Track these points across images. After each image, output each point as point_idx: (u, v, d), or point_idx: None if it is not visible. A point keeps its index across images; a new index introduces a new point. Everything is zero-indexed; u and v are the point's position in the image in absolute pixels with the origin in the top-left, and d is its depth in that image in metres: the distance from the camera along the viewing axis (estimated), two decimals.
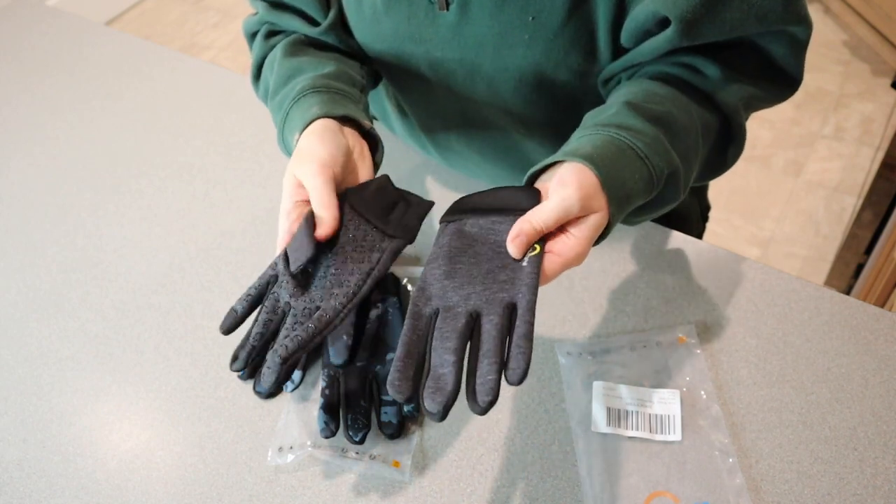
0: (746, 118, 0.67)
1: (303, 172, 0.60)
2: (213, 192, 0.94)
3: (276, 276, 0.61)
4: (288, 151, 0.67)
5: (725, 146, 0.68)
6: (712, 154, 0.67)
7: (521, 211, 0.56)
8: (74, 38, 1.26)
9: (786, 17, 0.61)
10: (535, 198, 0.57)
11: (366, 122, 0.66)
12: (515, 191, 0.58)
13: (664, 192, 0.61)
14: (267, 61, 0.77)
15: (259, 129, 1.03)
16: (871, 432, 0.64)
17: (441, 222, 0.61)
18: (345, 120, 0.65)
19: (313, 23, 0.75)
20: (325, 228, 0.58)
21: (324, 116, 0.63)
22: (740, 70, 0.65)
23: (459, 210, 0.60)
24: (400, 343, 0.51)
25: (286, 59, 0.72)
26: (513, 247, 0.53)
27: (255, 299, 0.60)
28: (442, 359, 0.49)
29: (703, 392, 0.67)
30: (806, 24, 0.63)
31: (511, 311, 0.51)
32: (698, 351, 0.70)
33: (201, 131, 1.04)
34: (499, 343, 0.49)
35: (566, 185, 0.53)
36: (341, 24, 0.75)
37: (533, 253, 0.54)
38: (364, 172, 0.65)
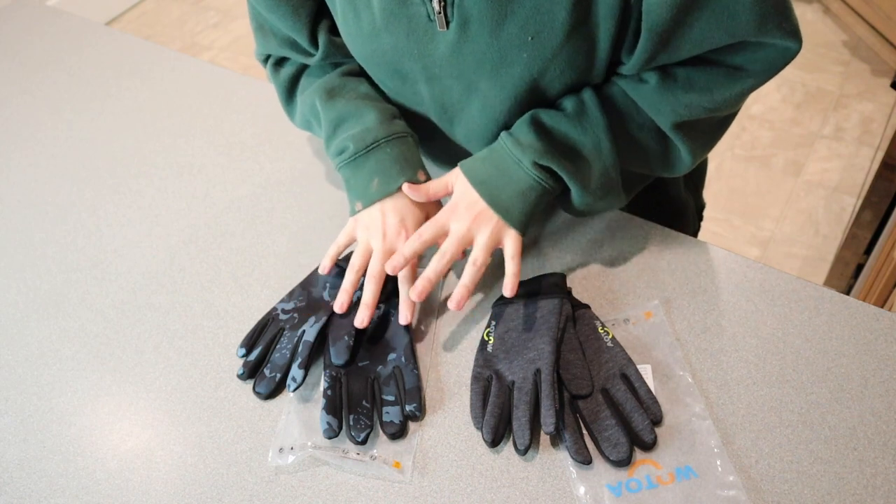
0: (683, 132, 0.70)
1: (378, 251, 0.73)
2: (213, 192, 0.94)
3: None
4: (356, 195, 0.76)
5: (660, 154, 0.74)
6: (653, 152, 0.73)
7: (559, 288, 0.74)
8: (74, 38, 1.26)
9: (761, 32, 0.62)
10: (563, 278, 0.75)
11: (420, 179, 0.76)
12: (545, 276, 0.76)
13: (573, 184, 0.70)
14: (299, 99, 0.83)
15: (259, 130, 1.03)
16: (870, 432, 0.64)
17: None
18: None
19: (306, 53, 0.80)
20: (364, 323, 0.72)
21: (385, 196, 0.74)
22: (686, 81, 0.68)
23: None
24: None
25: (326, 105, 0.78)
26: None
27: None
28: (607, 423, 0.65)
29: (673, 363, 0.69)
30: (792, 38, 0.64)
31: (626, 380, 0.68)
32: (665, 324, 0.72)
33: (201, 131, 1.04)
34: (637, 402, 0.66)
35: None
36: (334, 52, 0.78)
37: (609, 336, 0.71)
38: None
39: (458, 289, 0.69)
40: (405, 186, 0.74)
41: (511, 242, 0.71)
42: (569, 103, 0.71)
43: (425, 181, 0.76)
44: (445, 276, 0.80)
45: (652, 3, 0.60)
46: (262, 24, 0.80)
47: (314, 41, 0.78)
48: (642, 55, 0.64)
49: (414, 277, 0.73)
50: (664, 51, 0.64)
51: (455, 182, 0.73)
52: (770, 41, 0.64)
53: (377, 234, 0.74)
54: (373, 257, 0.73)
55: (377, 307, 0.76)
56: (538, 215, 0.72)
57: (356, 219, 0.76)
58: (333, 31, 0.78)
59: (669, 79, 0.68)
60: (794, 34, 0.64)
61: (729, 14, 0.60)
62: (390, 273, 0.71)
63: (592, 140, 0.70)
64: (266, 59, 0.86)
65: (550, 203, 0.77)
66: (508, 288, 0.69)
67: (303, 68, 0.84)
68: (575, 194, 0.71)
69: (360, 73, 0.81)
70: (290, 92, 0.85)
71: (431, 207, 0.77)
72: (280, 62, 0.85)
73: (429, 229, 0.71)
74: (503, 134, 0.72)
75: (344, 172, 0.77)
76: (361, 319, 0.71)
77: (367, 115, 0.76)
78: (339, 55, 0.79)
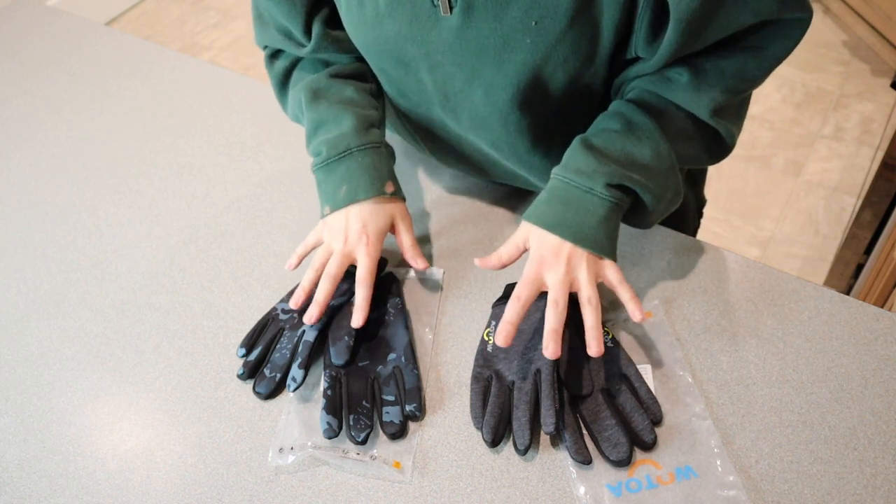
0: (722, 116, 0.71)
1: (362, 250, 0.74)
2: (213, 192, 0.94)
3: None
4: (325, 199, 0.78)
5: (712, 146, 0.74)
6: (700, 152, 0.74)
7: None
8: (74, 38, 1.26)
9: (782, 9, 0.63)
10: None
11: (387, 191, 0.76)
12: None
13: (645, 201, 0.70)
14: (291, 93, 0.84)
15: (259, 130, 1.03)
16: (870, 432, 0.64)
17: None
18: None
19: (299, 44, 0.81)
20: (360, 323, 0.72)
21: (351, 203, 0.75)
22: (717, 71, 0.68)
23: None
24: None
25: (310, 107, 0.80)
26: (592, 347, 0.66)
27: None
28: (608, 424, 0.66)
29: (673, 363, 0.69)
30: (805, 11, 0.65)
31: (627, 380, 0.68)
32: (665, 324, 0.72)
33: (201, 131, 1.04)
34: (637, 402, 0.66)
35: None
36: (326, 45, 0.79)
37: (609, 336, 0.71)
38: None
39: (591, 331, 0.66)
40: (477, 261, 0.74)
41: (612, 271, 0.69)
42: (612, 122, 0.71)
43: (393, 192, 0.77)
44: (442, 278, 0.80)
45: None
46: (261, 13, 0.82)
47: (308, 32, 0.79)
48: (670, 47, 0.64)
49: (368, 284, 0.73)
50: (693, 41, 0.64)
51: (527, 237, 0.71)
52: (788, 16, 0.64)
53: (339, 238, 0.75)
54: (331, 259, 0.74)
55: (376, 307, 0.76)
56: (618, 233, 0.71)
57: (324, 221, 0.77)
58: (328, 23, 0.79)
59: (700, 73, 0.68)
60: (807, 6, 0.65)
61: None
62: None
63: (650, 147, 0.69)
64: (265, 48, 0.87)
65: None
66: (637, 314, 0.67)
67: (296, 61, 0.85)
68: (649, 203, 0.70)
69: (349, 75, 0.82)
70: (283, 84, 0.86)
71: (398, 215, 0.78)
72: (276, 54, 0.86)
73: (525, 289, 0.68)
74: (556, 170, 0.71)
75: (317, 175, 0.78)
76: (310, 316, 0.71)
77: (345, 121, 0.77)
78: (331, 48, 0.80)
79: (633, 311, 0.67)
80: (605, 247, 0.68)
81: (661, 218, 0.75)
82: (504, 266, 0.73)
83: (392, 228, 0.78)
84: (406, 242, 0.78)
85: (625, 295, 0.68)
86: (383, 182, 0.76)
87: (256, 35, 0.85)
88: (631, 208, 0.72)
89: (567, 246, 0.68)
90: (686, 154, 0.72)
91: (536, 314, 0.71)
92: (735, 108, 0.73)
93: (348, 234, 0.75)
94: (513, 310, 0.67)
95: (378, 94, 0.84)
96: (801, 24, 0.66)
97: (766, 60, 0.68)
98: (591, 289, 0.68)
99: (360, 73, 0.82)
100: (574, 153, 0.70)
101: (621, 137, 0.70)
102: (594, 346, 0.65)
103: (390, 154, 0.80)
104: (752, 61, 0.68)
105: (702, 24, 0.62)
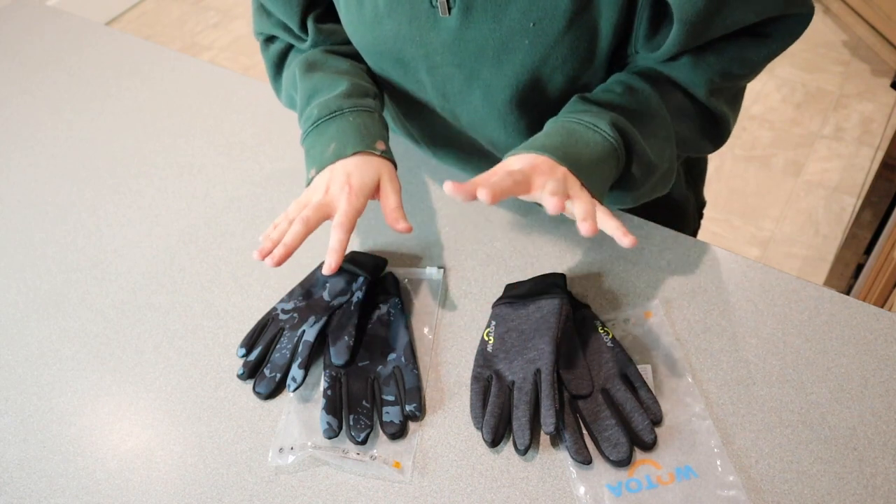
0: (722, 100, 0.70)
1: (342, 196, 0.68)
2: (213, 192, 0.94)
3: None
4: (310, 161, 0.74)
5: (708, 127, 0.72)
6: (694, 133, 0.72)
7: (559, 288, 0.73)
8: (74, 38, 1.26)
9: (786, 7, 0.63)
10: (563, 278, 0.75)
11: (378, 148, 0.72)
12: (546, 276, 0.76)
13: (640, 162, 0.67)
14: (285, 74, 0.83)
15: (259, 130, 1.03)
16: (870, 432, 0.64)
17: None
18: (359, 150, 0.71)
19: (298, 38, 0.81)
20: (332, 267, 0.66)
21: (338, 159, 0.70)
22: (717, 51, 0.67)
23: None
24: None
25: (303, 78, 0.77)
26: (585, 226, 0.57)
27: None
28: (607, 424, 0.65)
29: (673, 363, 0.69)
30: (806, 6, 0.65)
31: (626, 379, 0.68)
32: (665, 324, 0.72)
33: (201, 131, 1.04)
34: (637, 402, 0.66)
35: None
36: (323, 40, 0.79)
37: (609, 336, 0.71)
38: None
39: (588, 215, 0.58)
40: (448, 185, 0.58)
41: (587, 198, 0.61)
42: (613, 87, 0.68)
43: (383, 150, 0.72)
44: (444, 276, 0.80)
45: None
46: (262, 5, 0.82)
47: (304, 28, 0.79)
48: (674, 47, 0.64)
49: (347, 229, 0.67)
50: (697, 39, 0.64)
51: (511, 160, 0.65)
52: (791, 12, 0.65)
53: (320, 188, 0.70)
54: (308, 206, 0.69)
55: (377, 307, 0.76)
56: (608, 185, 0.66)
57: (307, 188, 0.72)
58: (321, 19, 0.79)
59: (700, 52, 0.67)
60: (808, 2, 0.65)
61: None
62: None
63: (650, 111, 0.67)
64: (260, 34, 0.87)
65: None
66: (626, 240, 0.57)
67: (292, 46, 0.84)
68: (644, 165, 0.66)
69: (346, 54, 0.81)
70: (278, 66, 0.85)
71: (386, 173, 0.72)
72: (271, 38, 0.85)
73: (519, 165, 0.61)
74: (553, 119, 0.67)
75: (307, 142, 0.74)
76: (273, 257, 0.65)
77: (340, 85, 0.75)
78: (328, 41, 0.80)
79: (620, 238, 0.58)
80: (598, 187, 0.63)
81: (646, 195, 0.72)
82: (475, 190, 0.58)
83: (377, 189, 0.72)
84: (391, 203, 0.71)
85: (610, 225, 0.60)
86: (374, 139, 0.72)
87: (255, 24, 0.84)
88: (622, 172, 0.68)
89: (562, 169, 0.62)
90: (683, 135, 0.71)
91: (536, 314, 0.71)
92: (731, 95, 0.72)
93: (330, 185, 0.69)
94: (502, 178, 0.59)
95: (374, 74, 0.82)
96: (802, 19, 0.66)
97: (765, 48, 0.67)
98: (587, 196, 0.61)
99: (358, 55, 0.82)
100: (574, 105, 0.68)
101: (621, 98, 0.68)
102: (589, 224, 0.57)
103: (384, 123, 0.76)
104: (751, 47, 0.67)
105: (706, 25, 0.62)
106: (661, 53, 0.66)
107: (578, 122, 0.65)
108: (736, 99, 0.73)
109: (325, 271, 0.66)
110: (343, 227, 0.67)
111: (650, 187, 0.72)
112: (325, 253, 0.77)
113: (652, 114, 0.68)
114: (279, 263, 0.65)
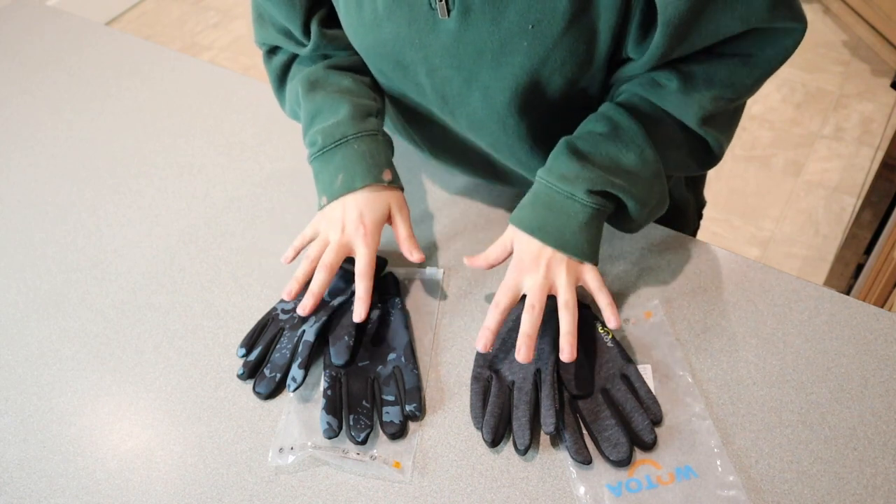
0: (711, 125, 0.70)
1: (360, 242, 0.73)
2: (213, 192, 0.94)
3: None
4: (322, 189, 0.77)
5: (697, 150, 0.73)
6: (685, 158, 0.73)
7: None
8: (74, 38, 1.26)
9: (772, 18, 0.63)
10: None
11: (385, 179, 0.76)
12: None
13: (629, 206, 0.70)
14: (289, 87, 0.84)
15: (259, 130, 1.03)
16: (870, 432, 0.64)
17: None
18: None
19: (299, 43, 0.81)
20: (362, 316, 0.71)
21: (347, 192, 0.74)
22: (706, 78, 0.68)
23: None
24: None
25: (306, 98, 0.79)
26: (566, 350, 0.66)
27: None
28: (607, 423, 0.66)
29: (673, 363, 0.69)
30: (798, 21, 0.64)
31: (627, 379, 0.68)
32: (665, 324, 0.72)
33: (201, 131, 1.04)
34: (637, 402, 0.66)
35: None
36: (325, 44, 0.79)
37: (609, 336, 0.71)
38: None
39: (566, 337, 0.66)
40: (466, 259, 0.74)
41: (591, 276, 0.70)
42: (598, 125, 0.71)
43: (390, 181, 0.76)
44: (442, 275, 0.80)
45: None
46: (262, 13, 0.82)
47: (307, 31, 0.79)
48: (657, 50, 0.64)
49: (369, 276, 0.72)
50: (680, 44, 0.64)
51: (512, 239, 0.72)
52: (779, 25, 0.64)
53: (336, 227, 0.74)
54: (328, 248, 0.73)
55: (376, 306, 0.76)
56: (601, 238, 0.71)
57: (322, 213, 0.76)
58: (326, 23, 0.79)
59: (689, 79, 0.67)
60: (800, 16, 0.65)
61: (743, 1, 0.61)
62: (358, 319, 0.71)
63: (636, 152, 0.69)
64: (263, 45, 0.87)
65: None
66: (612, 320, 0.67)
67: (294, 56, 0.84)
68: (632, 209, 0.70)
69: (348, 68, 0.81)
70: (281, 79, 0.86)
71: (395, 205, 0.77)
72: (274, 50, 0.86)
73: (504, 296, 0.69)
74: (541, 172, 0.71)
75: (314, 166, 0.77)
76: (304, 307, 0.72)
77: (342, 110, 0.77)
78: (330, 47, 0.80)
79: (608, 317, 0.68)
80: (585, 252, 0.69)
81: (645, 223, 0.75)
82: (491, 266, 0.73)
83: (389, 219, 0.77)
84: (402, 233, 0.76)
85: (602, 301, 0.69)
86: (380, 170, 0.76)
87: (256, 34, 0.85)
88: (615, 213, 0.73)
89: (548, 251, 0.69)
90: (673, 160, 0.72)
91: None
92: (726, 118, 0.72)
93: (345, 224, 0.74)
94: (491, 316, 0.68)
95: (377, 86, 0.83)
96: (793, 34, 0.65)
97: (757, 68, 0.68)
98: (570, 293, 0.68)
99: (359, 66, 0.82)
100: (558, 157, 0.70)
101: (606, 141, 0.69)
102: (567, 351, 0.65)
103: (388, 143, 0.79)
104: (741, 68, 0.67)
105: (688, 29, 0.62)
106: (646, 59, 0.66)
107: (558, 192, 0.69)
108: (732, 120, 0.74)
109: (356, 319, 0.71)
110: (366, 276, 0.72)
111: (644, 220, 0.73)
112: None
113: (637, 154, 0.69)
114: (309, 313, 0.72)
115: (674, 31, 0.62)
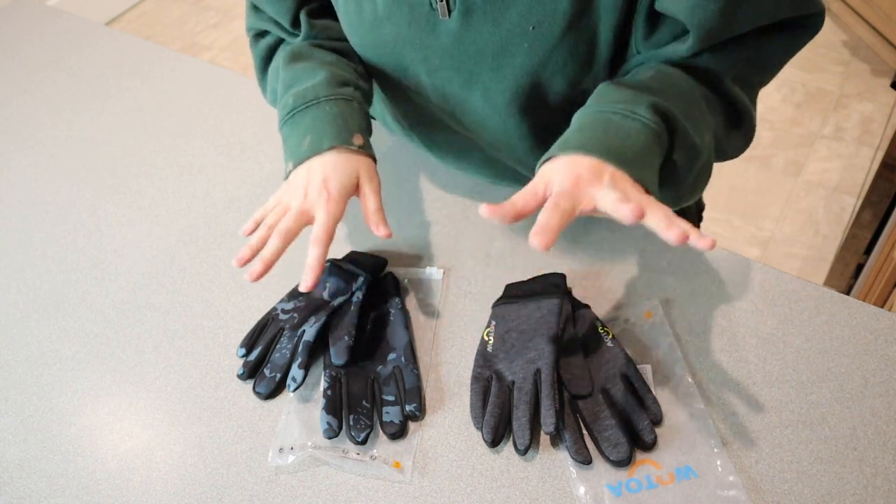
0: (742, 90, 0.67)
1: (321, 203, 0.67)
2: (213, 192, 0.94)
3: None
4: (288, 153, 0.72)
5: (732, 118, 0.68)
6: (720, 126, 0.67)
7: (559, 288, 0.73)
8: (74, 38, 1.26)
9: (795, 7, 0.62)
10: (563, 278, 0.75)
11: (355, 143, 0.70)
12: (546, 276, 0.76)
13: (683, 146, 0.62)
14: (271, 68, 0.81)
15: (259, 129, 1.03)
16: (871, 432, 0.64)
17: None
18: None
19: (290, 34, 0.80)
20: (308, 285, 0.63)
21: (314, 154, 0.69)
22: (737, 42, 0.65)
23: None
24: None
25: (286, 68, 0.76)
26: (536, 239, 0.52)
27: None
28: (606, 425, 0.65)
29: (673, 363, 0.69)
30: (817, 7, 0.64)
31: (626, 380, 0.68)
32: (665, 324, 0.72)
33: (201, 131, 1.04)
34: (637, 402, 0.66)
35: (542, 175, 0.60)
36: (315, 35, 0.78)
37: (609, 336, 0.71)
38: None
39: (667, 219, 0.53)
40: (484, 209, 0.55)
41: (654, 204, 0.55)
42: (644, 71, 0.64)
43: (360, 145, 0.70)
44: (444, 272, 0.80)
45: (695, 2, 0.59)
46: (255, 2, 0.81)
47: (296, 24, 0.78)
48: (688, 52, 0.63)
49: (324, 242, 0.65)
50: (713, 41, 0.62)
51: (549, 177, 0.58)
52: (801, 13, 0.64)
53: (298, 193, 0.68)
54: (287, 215, 0.67)
55: (377, 307, 0.76)
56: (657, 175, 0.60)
57: (287, 181, 0.71)
58: (314, 14, 0.78)
59: (718, 50, 0.65)
60: (819, 4, 0.64)
61: None
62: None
63: (686, 90, 0.62)
64: (250, 30, 0.85)
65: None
66: (673, 232, 0.52)
67: (281, 40, 0.82)
68: (684, 151, 0.61)
69: (334, 49, 0.79)
70: (266, 62, 0.83)
71: (365, 173, 0.70)
72: (262, 34, 0.84)
73: (565, 199, 0.55)
74: (583, 110, 0.63)
75: (283, 132, 0.73)
76: (252, 272, 0.64)
77: (318, 75, 0.73)
78: (321, 37, 0.79)
79: (666, 228, 0.52)
80: (651, 181, 0.57)
81: (687, 194, 0.68)
82: (517, 218, 0.57)
83: (357, 189, 0.70)
84: (371, 205, 0.69)
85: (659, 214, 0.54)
86: (350, 133, 0.70)
87: (247, 21, 0.83)
88: (666, 160, 0.63)
89: (609, 167, 0.56)
90: (713, 125, 0.67)
91: (536, 314, 0.71)
92: (753, 94, 0.69)
93: (308, 190, 0.68)
94: (551, 214, 0.53)
95: (365, 73, 0.80)
96: (816, 19, 0.64)
97: (784, 40, 0.65)
98: (650, 199, 0.55)
99: (347, 51, 0.79)
100: (605, 90, 0.63)
101: (655, 80, 0.63)
102: (675, 232, 0.51)
103: (363, 111, 0.74)
104: (768, 42, 0.65)
105: (720, 31, 0.61)
106: (670, 56, 0.64)
107: (614, 112, 0.60)
108: (753, 102, 0.71)
109: (302, 288, 0.63)
110: (321, 242, 0.65)
111: (693, 180, 0.67)
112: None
113: (687, 95, 0.63)
114: (258, 279, 0.64)
115: (705, 33, 0.61)
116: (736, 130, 0.70)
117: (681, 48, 0.63)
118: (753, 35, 0.65)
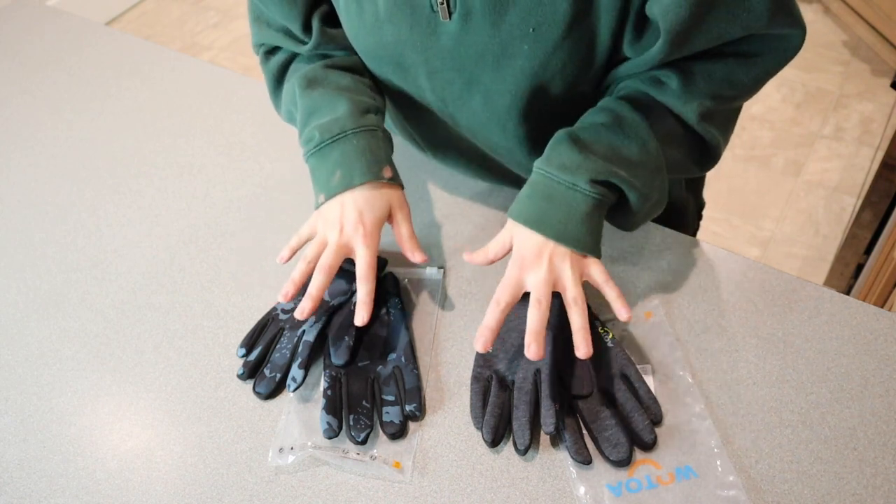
0: (710, 122, 0.70)
1: (361, 243, 0.71)
2: (213, 192, 0.94)
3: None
4: (319, 186, 0.74)
5: (696, 149, 0.72)
6: (683, 158, 0.72)
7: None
8: (74, 38, 1.26)
9: (771, 25, 0.63)
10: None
11: (385, 176, 0.73)
12: None
13: (632, 196, 0.68)
14: (285, 88, 0.81)
15: (259, 130, 1.03)
16: (871, 432, 0.64)
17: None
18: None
19: (299, 41, 0.79)
20: (365, 320, 0.69)
21: (345, 189, 0.72)
22: (705, 75, 0.67)
23: None
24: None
25: (303, 95, 0.77)
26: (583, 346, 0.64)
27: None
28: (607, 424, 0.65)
29: (673, 363, 0.69)
30: (798, 27, 0.65)
31: (627, 379, 0.68)
32: (665, 324, 0.72)
33: (201, 131, 1.04)
34: (637, 402, 0.66)
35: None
36: (326, 42, 0.78)
37: (609, 336, 0.71)
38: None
39: (579, 333, 0.64)
40: (465, 255, 0.72)
41: (596, 269, 0.68)
42: (599, 116, 0.69)
43: (390, 178, 0.73)
44: (444, 272, 0.80)
45: (669, 4, 0.60)
46: (259, 15, 0.81)
47: (308, 30, 0.78)
48: (658, 55, 0.64)
49: (370, 278, 0.70)
50: (680, 49, 0.64)
51: (511, 234, 0.70)
52: (778, 31, 0.64)
53: (334, 228, 0.71)
54: (326, 250, 0.71)
55: (377, 307, 0.76)
56: (602, 230, 0.69)
57: (319, 212, 0.74)
58: (327, 21, 0.78)
59: (689, 76, 0.67)
60: (800, 23, 0.65)
61: (744, 8, 0.61)
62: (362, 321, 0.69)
63: (638, 143, 0.67)
64: (260, 47, 0.86)
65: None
66: (623, 312, 0.65)
67: (293, 57, 0.83)
68: (634, 202, 0.68)
69: (347, 68, 0.80)
70: (278, 80, 0.84)
71: (396, 203, 0.74)
72: (272, 51, 0.84)
73: (505, 293, 0.66)
74: (538, 163, 0.69)
75: (310, 163, 0.75)
76: (301, 310, 0.68)
77: (340, 106, 0.74)
78: (331, 45, 0.79)
79: (618, 310, 0.66)
80: (588, 244, 0.67)
81: (644, 220, 0.74)
82: (491, 262, 0.71)
83: (389, 218, 0.75)
84: (404, 233, 0.74)
85: (610, 294, 0.67)
86: (380, 166, 0.73)
87: (254, 36, 0.84)
88: (615, 207, 0.70)
89: (549, 245, 0.66)
90: (672, 159, 0.71)
91: None
92: (724, 117, 0.72)
93: (344, 224, 0.71)
94: (491, 315, 0.65)
95: (376, 86, 0.82)
96: (791, 39, 0.65)
97: (756, 68, 0.67)
98: (577, 289, 0.66)
99: (359, 67, 0.81)
100: (557, 146, 0.68)
101: (608, 131, 0.68)
102: (582, 348, 0.63)
103: (388, 139, 0.77)
104: (740, 68, 0.67)
105: (688, 35, 0.62)
106: (646, 60, 0.66)
107: (559, 182, 0.67)
108: (729, 121, 0.73)
109: (358, 323, 0.68)
110: (368, 279, 0.70)
111: (643, 215, 0.72)
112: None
113: (640, 146, 0.67)
114: (307, 316, 0.69)
115: (675, 37, 0.62)
116: (699, 162, 0.74)
117: (653, 51, 0.64)
118: (724, 64, 0.67)
